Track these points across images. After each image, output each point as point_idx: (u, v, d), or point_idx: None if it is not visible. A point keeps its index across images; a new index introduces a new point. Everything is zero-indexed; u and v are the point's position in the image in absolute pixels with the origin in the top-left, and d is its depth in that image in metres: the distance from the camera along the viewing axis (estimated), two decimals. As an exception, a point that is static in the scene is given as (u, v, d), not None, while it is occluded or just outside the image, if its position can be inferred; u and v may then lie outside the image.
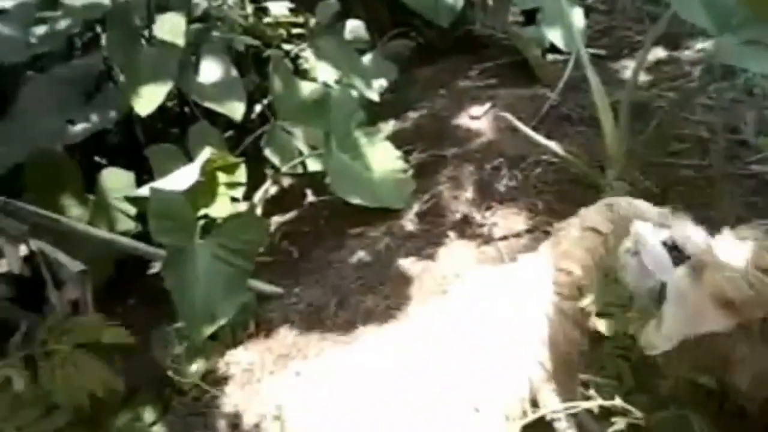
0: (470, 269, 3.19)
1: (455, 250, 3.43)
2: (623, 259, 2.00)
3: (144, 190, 3.44)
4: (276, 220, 4.20)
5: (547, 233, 3.29)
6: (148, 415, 3.29)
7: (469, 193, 3.64)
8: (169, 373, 3.43)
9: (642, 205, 2.20)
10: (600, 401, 1.88)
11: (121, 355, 3.73)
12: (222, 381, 3.35)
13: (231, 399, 3.22)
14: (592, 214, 2.22)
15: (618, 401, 1.85)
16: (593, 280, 2.17)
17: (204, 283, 3.29)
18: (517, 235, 3.34)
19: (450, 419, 2.16)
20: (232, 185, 3.85)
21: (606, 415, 2.04)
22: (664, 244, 1.91)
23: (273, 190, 4.27)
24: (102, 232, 3.40)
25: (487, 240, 3.39)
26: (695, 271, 1.80)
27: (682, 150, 3.57)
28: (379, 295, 3.39)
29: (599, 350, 2.35)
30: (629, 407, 1.84)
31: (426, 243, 3.58)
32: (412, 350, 2.62)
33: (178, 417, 3.22)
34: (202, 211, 3.71)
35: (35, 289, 3.13)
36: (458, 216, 3.58)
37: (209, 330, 3.36)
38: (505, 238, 3.34)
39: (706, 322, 1.78)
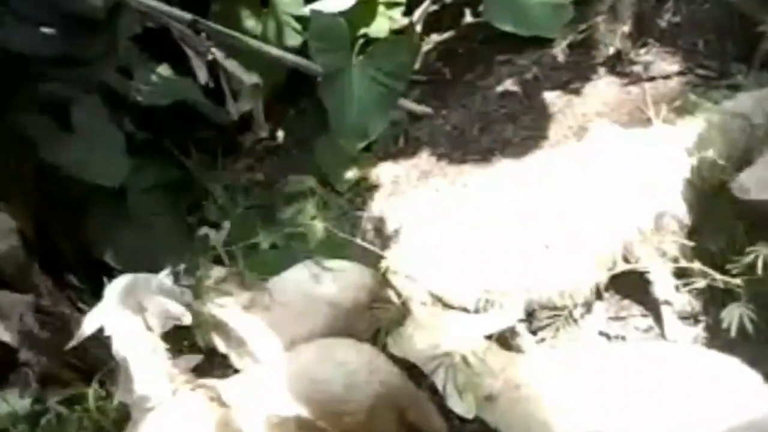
0: (612, 111, 3.20)
1: (601, 87, 3.42)
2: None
3: (307, 10, 3.70)
4: (433, 38, 4.32)
5: (699, 77, 3.18)
6: (310, 209, 3.88)
7: (626, 27, 3.49)
8: (329, 176, 3.97)
9: None
10: (681, 264, 2.03)
11: (287, 158, 4.34)
12: (372, 188, 3.81)
13: (377, 205, 3.67)
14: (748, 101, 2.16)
15: (696, 264, 1.99)
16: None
17: (358, 101, 3.64)
18: (667, 77, 3.23)
19: (547, 258, 2.41)
20: (391, 5, 3.99)
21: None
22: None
23: (433, 7, 4.33)
24: (272, 49, 3.78)
25: (636, 80, 3.32)
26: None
27: None
28: (520, 126, 3.53)
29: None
30: (708, 270, 1.98)
31: (574, 76, 3.58)
32: (538, 184, 2.81)
33: (333, 214, 3.78)
34: (362, 31, 3.92)
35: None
36: (611, 51, 3.49)
37: (361, 144, 3.77)
38: (653, 79, 3.26)
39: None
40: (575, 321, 2.64)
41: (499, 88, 3.78)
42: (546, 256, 2.40)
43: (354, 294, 2.66)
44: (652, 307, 2.58)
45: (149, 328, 2.40)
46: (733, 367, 1.84)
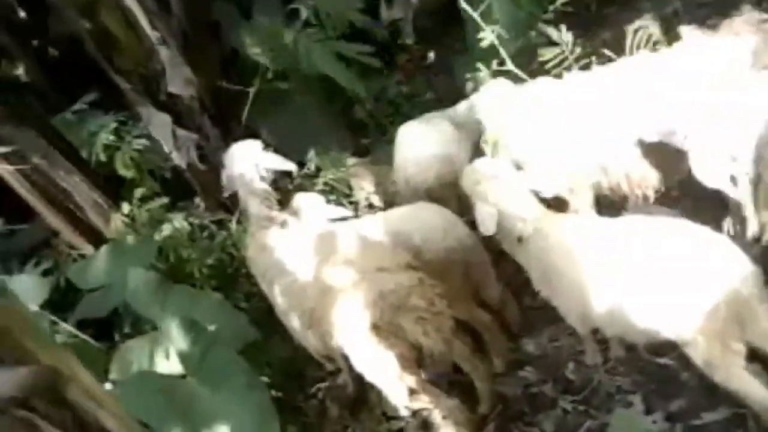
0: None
1: (737, 23, 3.44)
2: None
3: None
4: (590, -28, 4.48)
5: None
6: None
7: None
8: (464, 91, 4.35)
9: None
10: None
11: (433, 76, 4.77)
12: (498, 104, 4.14)
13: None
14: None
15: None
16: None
17: (497, 21, 3.91)
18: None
19: (623, 152, 2.64)
20: (547, -66, 4.18)
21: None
22: None
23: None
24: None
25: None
26: None
27: None
28: (642, 53, 3.67)
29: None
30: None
31: (714, 12, 3.64)
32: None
33: (460, 123, 4.15)
34: (514, -45, 4.17)
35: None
36: (759, -8, 3.49)
37: (495, 63, 4.08)
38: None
39: None
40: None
41: (638, 22, 3.91)
42: (622, 150, 2.63)
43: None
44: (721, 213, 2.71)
45: (262, 178, 2.90)
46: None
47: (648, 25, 3.86)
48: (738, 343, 2.00)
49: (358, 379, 2.96)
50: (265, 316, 3.14)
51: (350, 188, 3.98)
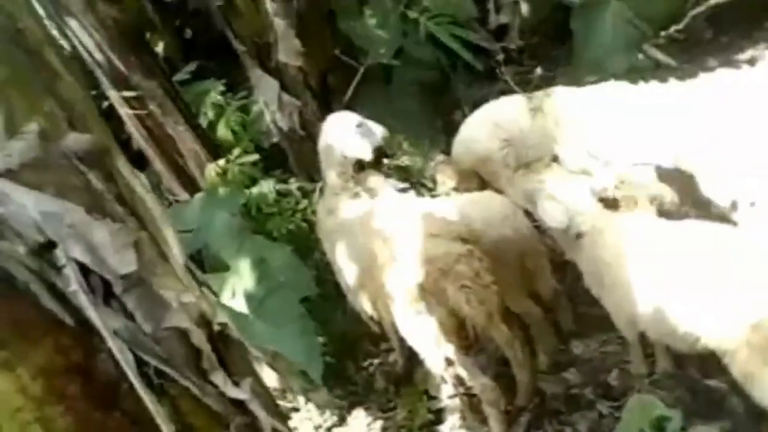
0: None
1: None
2: None
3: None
4: (711, 2, 4.39)
5: None
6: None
7: None
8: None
9: None
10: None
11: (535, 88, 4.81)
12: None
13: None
14: None
15: None
16: None
17: (606, 36, 3.94)
18: None
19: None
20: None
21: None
22: None
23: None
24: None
25: None
26: None
27: None
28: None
29: None
30: None
31: (833, 51, 3.50)
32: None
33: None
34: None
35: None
36: None
37: (594, 77, 4.07)
38: None
39: None
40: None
41: (750, 52, 3.82)
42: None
43: None
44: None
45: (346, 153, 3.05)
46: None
47: (759, 56, 3.78)
48: (779, 360, 1.95)
49: (408, 357, 3.08)
50: (332, 289, 3.31)
51: (434, 182, 4.13)
